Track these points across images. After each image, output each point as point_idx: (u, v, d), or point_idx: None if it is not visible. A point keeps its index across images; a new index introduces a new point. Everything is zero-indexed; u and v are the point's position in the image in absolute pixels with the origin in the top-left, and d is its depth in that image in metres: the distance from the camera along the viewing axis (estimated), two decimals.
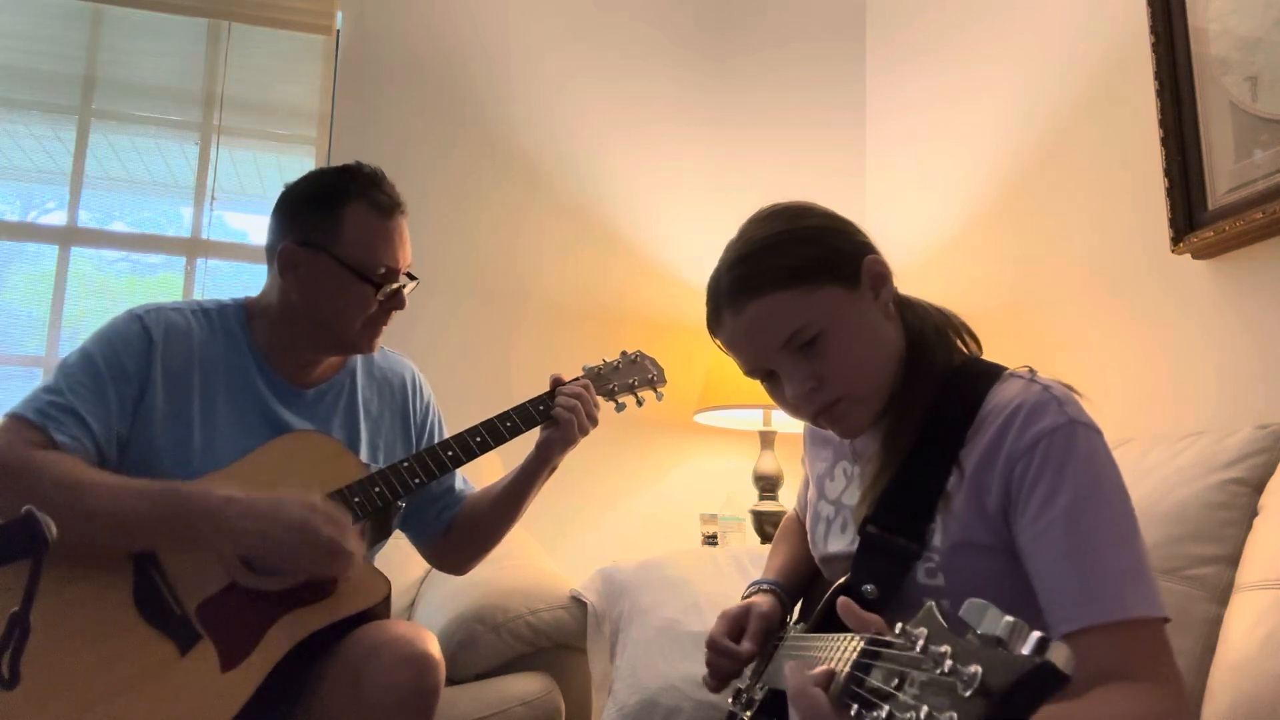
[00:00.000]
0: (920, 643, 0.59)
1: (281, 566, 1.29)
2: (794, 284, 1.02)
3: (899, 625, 0.64)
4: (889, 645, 0.65)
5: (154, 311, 1.44)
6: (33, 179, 2.73)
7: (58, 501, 1.23)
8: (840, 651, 0.76)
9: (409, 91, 2.75)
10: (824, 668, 0.79)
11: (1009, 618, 0.54)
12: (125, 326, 1.41)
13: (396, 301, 1.47)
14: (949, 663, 0.56)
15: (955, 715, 0.53)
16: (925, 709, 0.55)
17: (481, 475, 1.68)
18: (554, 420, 1.50)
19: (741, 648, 1.14)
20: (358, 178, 1.46)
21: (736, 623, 1.17)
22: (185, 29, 2.68)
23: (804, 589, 1.27)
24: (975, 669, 0.53)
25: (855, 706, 0.66)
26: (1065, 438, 0.93)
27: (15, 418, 1.31)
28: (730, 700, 1.18)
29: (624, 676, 1.83)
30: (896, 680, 0.62)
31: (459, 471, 1.63)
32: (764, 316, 1.03)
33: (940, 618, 0.61)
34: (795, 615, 1.25)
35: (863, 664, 0.69)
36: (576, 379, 1.58)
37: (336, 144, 2.67)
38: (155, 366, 1.39)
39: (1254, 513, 1.32)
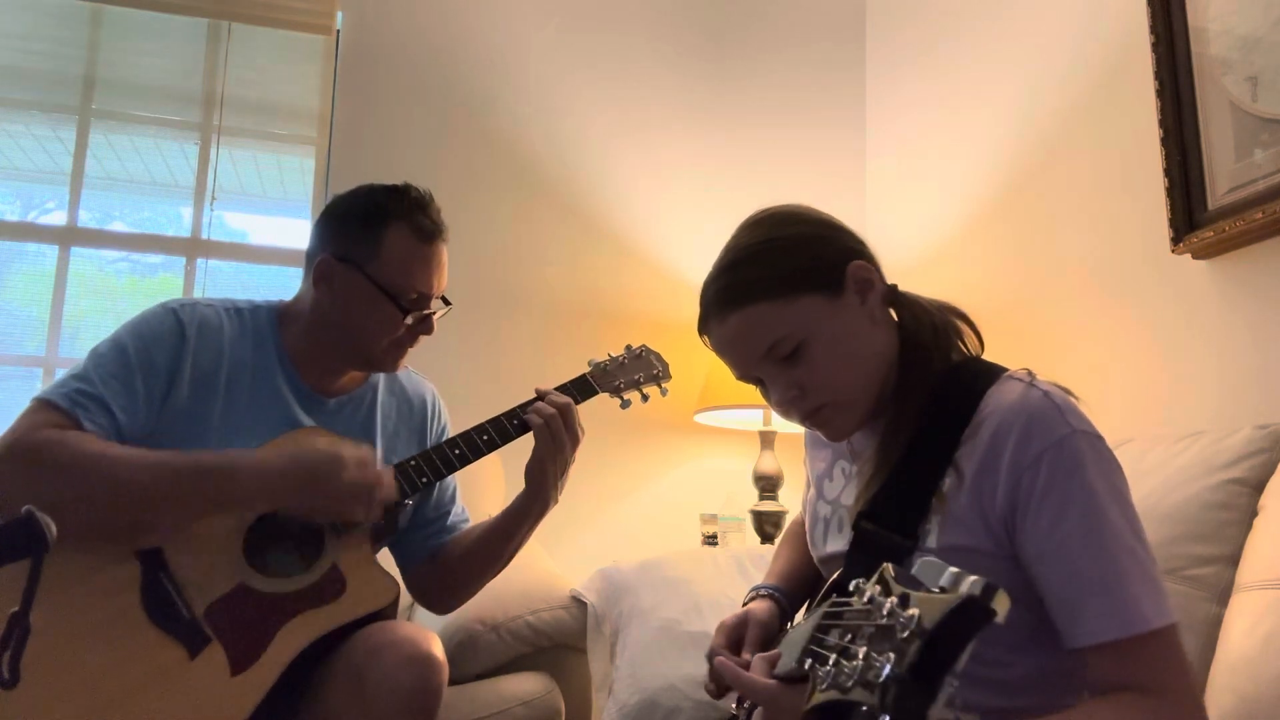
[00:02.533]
0: (868, 595, 0.62)
1: (312, 511, 1.32)
2: (774, 295, 1.03)
3: (854, 581, 0.66)
4: (847, 605, 0.67)
5: (188, 307, 1.44)
6: (33, 179, 2.73)
7: (87, 471, 1.24)
8: (809, 623, 0.77)
9: (409, 91, 2.75)
10: (770, 652, 0.87)
11: (954, 569, 0.56)
12: (159, 320, 1.41)
13: (424, 327, 1.47)
14: (890, 608, 0.58)
15: (893, 655, 0.55)
16: (865, 651, 0.58)
17: (484, 481, 1.68)
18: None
19: (743, 659, 1.13)
20: (404, 200, 1.46)
21: (735, 632, 1.17)
22: (185, 29, 2.68)
23: (807, 592, 1.27)
24: (913, 612, 0.56)
25: (810, 662, 0.69)
26: (1071, 450, 0.93)
27: (45, 403, 1.31)
28: (733, 706, 1.18)
29: (624, 676, 1.83)
30: (850, 635, 0.65)
31: (458, 505, 1.62)
32: (745, 328, 1.05)
33: (893, 574, 0.64)
34: (799, 617, 1.25)
35: (824, 625, 0.72)
36: (575, 381, 1.57)
37: (337, 144, 2.67)
38: (185, 362, 1.39)
39: (1254, 513, 1.32)
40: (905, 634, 0.55)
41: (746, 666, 1.12)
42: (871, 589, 0.62)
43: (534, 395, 1.50)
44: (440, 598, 1.59)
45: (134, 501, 1.26)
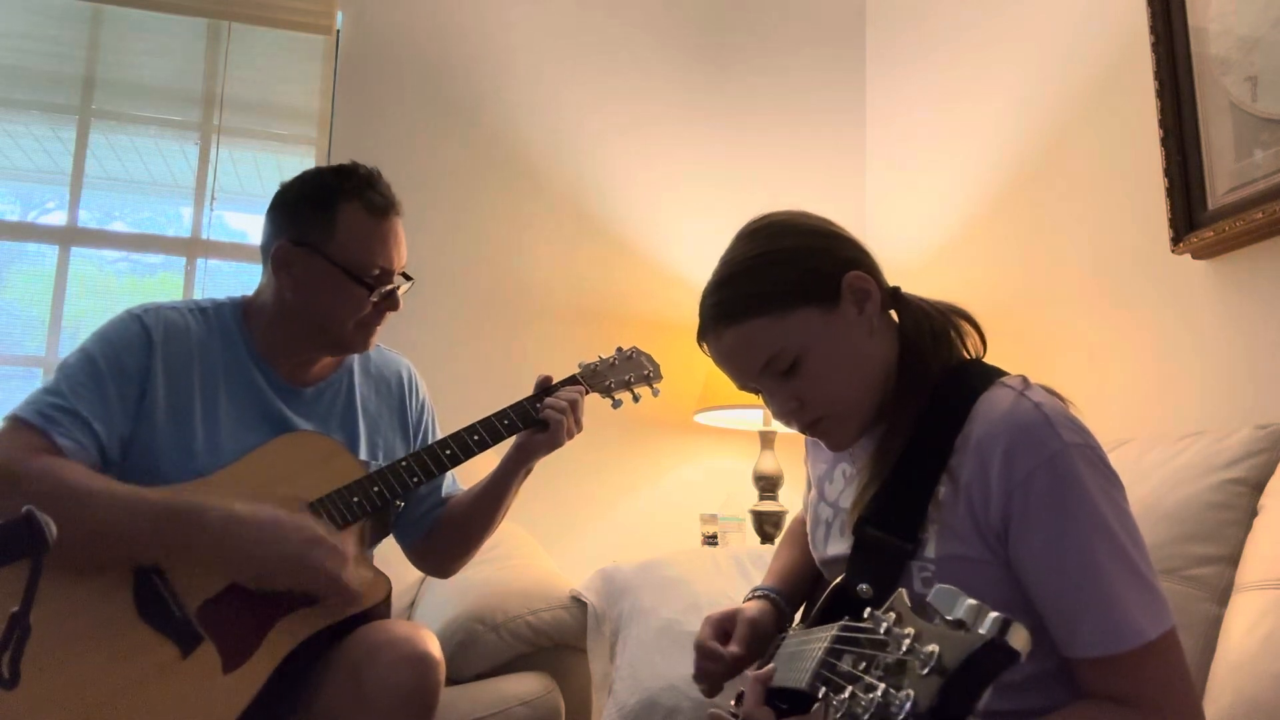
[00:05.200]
0: (885, 626, 0.61)
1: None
2: (769, 311, 1.03)
3: (868, 610, 0.65)
4: (861, 630, 0.67)
5: (152, 311, 1.44)
6: (33, 179, 2.72)
7: (58, 511, 1.22)
8: (820, 640, 0.77)
9: (409, 91, 2.75)
10: (765, 669, 0.87)
11: (972, 601, 0.55)
12: (124, 326, 1.41)
13: (390, 303, 1.47)
14: (909, 644, 0.57)
15: (912, 693, 0.55)
16: (884, 688, 0.57)
17: (478, 475, 1.68)
18: (542, 422, 1.50)
19: (727, 650, 1.14)
20: (353, 178, 1.45)
21: (721, 626, 1.18)
22: (185, 29, 2.68)
23: (806, 593, 1.27)
24: (933, 648, 0.55)
25: (823, 689, 0.68)
26: (1063, 466, 0.91)
27: (16, 420, 1.31)
28: (733, 702, 1.18)
29: (624, 676, 1.83)
30: (864, 664, 0.63)
31: (450, 475, 1.63)
32: (741, 344, 1.05)
33: (908, 603, 0.63)
34: (799, 618, 1.25)
35: (836, 650, 0.71)
36: (567, 380, 1.58)
37: (336, 144, 2.67)
38: (155, 365, 1.39)
39: (1254, 513, 1.32)
40: (925, 671, 0.54)
41: (731, 659, 1.13)
42: (887, 619, 0.61)
43: (537, 385, 1.55)
44: (442, 565, 1.63)
45: (108, 540, 1.26)
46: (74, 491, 1.25)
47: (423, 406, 1.64)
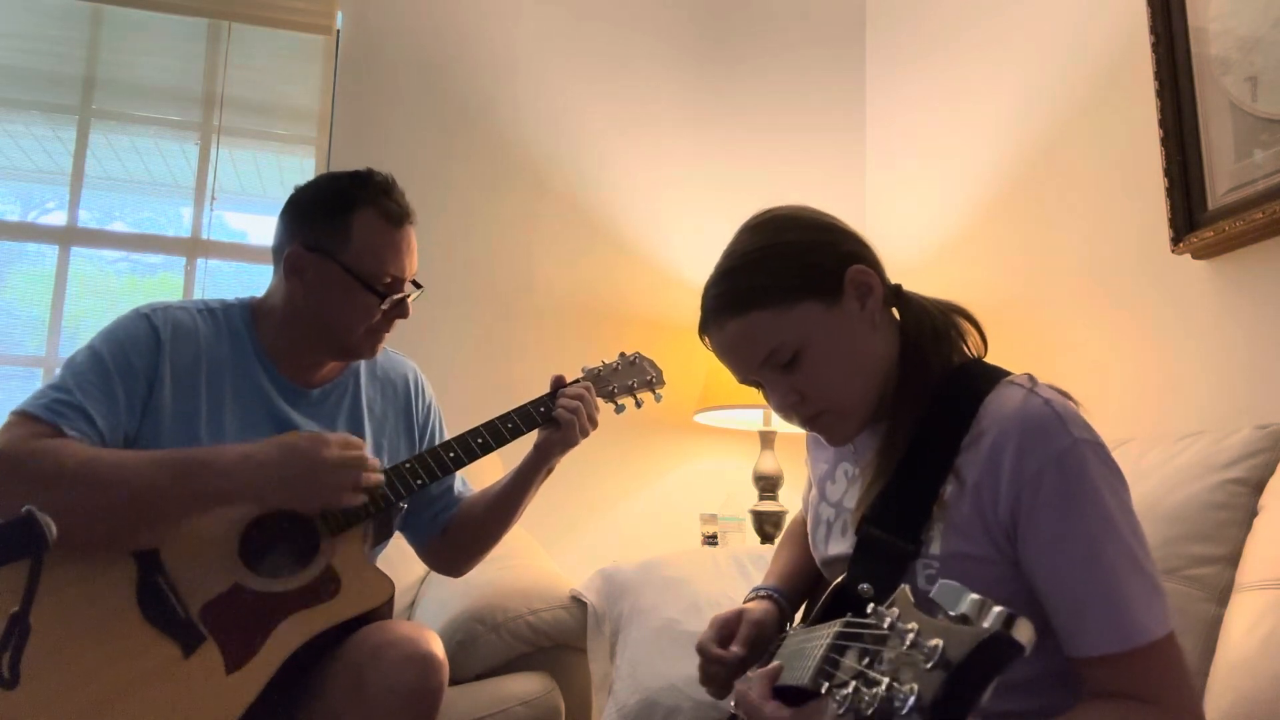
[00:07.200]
0: (888, 620, 0.61)
1: (305, 502, 1.32)
2: (771, 303, 1.03)
3: (871, 605, 0.65)
4: (864, 626, 0.67)
5: (161, 310, 1.44)
6: (33, 179, 2.72)
7: (72, 478, 1.24)
8: (822, 637, 0.77)
9: (409, 92, 2.75)
10: (771, 665, 0.88)
11: (975, 595, 0.55)
12: (133, 325, 1.41)
13: (400, 311, 1.48)
14: (913, 638, 0.57)
15: (916, 687, 0.54)
16: (888, 682, 0.57)
17: (481, 476, 1.68)
18: (555, 422, 1.50)
19: (729, 652, 1.14)
20: (369, 185, 1.45)
21: (726, 627, 1.18)
22: (185, 29, 2.68)
23: (807, 592, 1.27)
24: (937, 642, 0.55)
25: (826, 684, 0.68)
26: (1074, 461, 0.92)
27: (24, 414, 1.31)
28: (733, 704, 1.18)
29: (624, 676, 1.83)
30: (868, 658, 0.63)
31: (458, 473, 1.63)
32: (742, 336, 1.05)
33: (912, 599, 0.63)
34: (799, 618, 1.25)
35: (839, 645, 0.71)
36: (577, 380, 1.59)
37: (337, 144, 2.67)
38: (163, 365, 1.39)
39: (1253, 513, 1.32)
40: (929, 665, 0.54)
41: (735, 661, 1.13)
42: (891, 613, 0.61)
43: (551, 385, 1.55)
44: (457, 564, 1.64)
45: (122, 502, 1.26)
46: (84, 456, 1.26)
47: (429, 409, 1.64)
